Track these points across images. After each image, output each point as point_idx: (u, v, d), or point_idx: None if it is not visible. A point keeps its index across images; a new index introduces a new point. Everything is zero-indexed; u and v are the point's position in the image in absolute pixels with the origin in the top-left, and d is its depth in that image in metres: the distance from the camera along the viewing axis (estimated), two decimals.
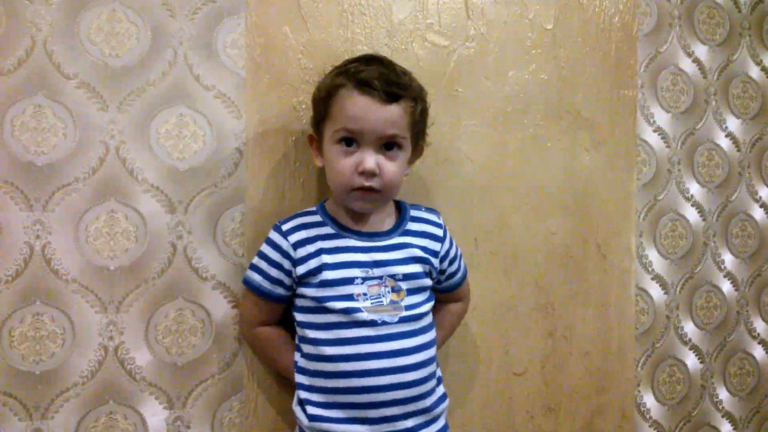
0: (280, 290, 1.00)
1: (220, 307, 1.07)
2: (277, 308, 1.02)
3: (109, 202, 1.01)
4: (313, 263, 0.96)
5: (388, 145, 0.95)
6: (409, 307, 0.98)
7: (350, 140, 0.94)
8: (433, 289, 1.07)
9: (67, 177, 0.99)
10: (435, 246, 1.04)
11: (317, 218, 1.00)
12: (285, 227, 0.99)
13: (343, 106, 0.93)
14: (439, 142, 1.15)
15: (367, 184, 0.93)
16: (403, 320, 0.97)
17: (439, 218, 1.07)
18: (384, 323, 0.95)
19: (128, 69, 1.02)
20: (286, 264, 0.98)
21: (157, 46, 1.03)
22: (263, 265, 0.99)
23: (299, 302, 1.00)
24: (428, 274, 1.03)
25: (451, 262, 1.07)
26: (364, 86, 0.92)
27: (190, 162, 1.05)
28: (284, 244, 0.98)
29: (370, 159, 0.93)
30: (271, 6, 1.10)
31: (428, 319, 1.02)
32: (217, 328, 1.07)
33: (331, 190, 1.01)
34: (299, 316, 0.99)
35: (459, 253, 1.10)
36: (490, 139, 1.23)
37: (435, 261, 1.03)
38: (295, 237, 0.98)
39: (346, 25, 1.14)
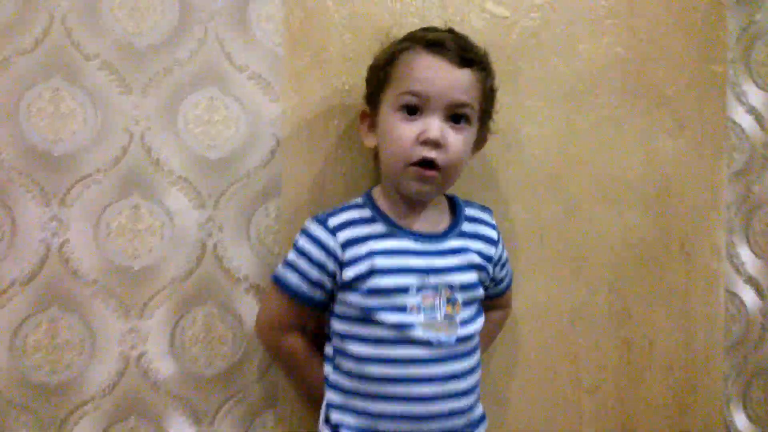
0: (319, 294, 0.90)
1: (254, 313, 0.99)
2: (310, 314, 0.94)
3: (133, 196, 0.95)
4: (363, 267, 0.87)
5: (455, 117, 0.87)
6: (463, 323, 0.90)
7: (413, 108, 0.86)
8: None
9: (87, 168, 0.93)
10: (490, 250, 0.95)
11: (366, 213, 0.91)
12: (332, 222, 0.90)
13: (410, 67, 0.86)
14: (500, 125, 1.05)
15: (429, 155, 0.85)
16: (460, 340, 0.89)
17: (492, 218, 0.99)
18: (439, 343, 0.87)
19: (154, 48, 0.96)
20: (331, 265, 0.88)
21: (186, 22, 0.97)
22: (302, 263, 0.89)
23: (340, 309, 0.90)
24: (483, 283, 0.94)
25: (501, 268, 1.00)
26: (435, 46, 0.86)
27: (221, 151, 0.99)
28: (331, 243, 0.88)
29: (436, 126, 0.85)
30: None
31: (478, 337, 0.94)
32: (249, 336, 1.00)
33: (384, 169, 0.92)
34: (339, 325, 0.90)
35: (506, 256, 1.02)
36: (557, 121, 1.15)
37: (490, 268, 0.95)
38: (344, 235, 0.89)
39: None
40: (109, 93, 0.94)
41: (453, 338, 0.87)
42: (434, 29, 0.93)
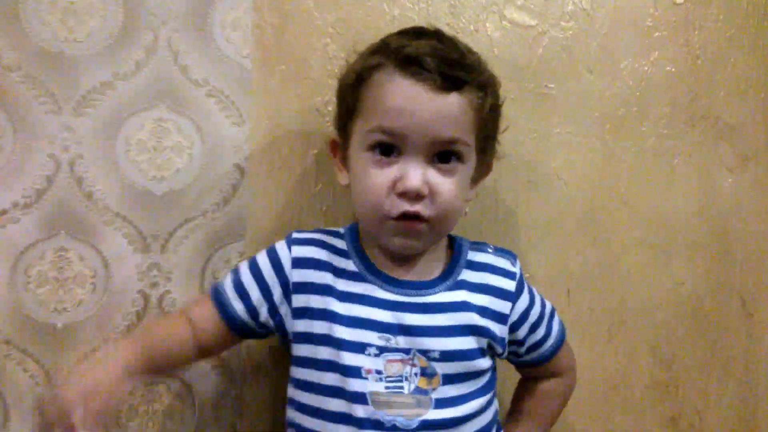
0: (237, 308, 0.76)
1: (208, 383, 0.90)
2: (223, 335, 0.77)
3: (59, 237, 0.86)
4: (314, 302, 0.75)
5: (443, 154, 0.74)
6: (441, 404, 0.73)
7: (388, 147, 0.73)
8: (515, 364, 0.88)
9: (2, 203, 0.84)
10: (502, 307, 0.79)
11: (341, 244, 0.80)
12: (296, 235, 0.80)
13: (380, 95, 0.74)
14: (522, 157, 1.02)
15: (411, 209, 0.72)
16: (426, 427, 0.72)
17: (514, 265, 0.83)
18: (394, 428, 0.71)
19: (90, 57, 0.87)
20: (272, 283, 0.76)
21: (131, 27, 0.88)
22: (242, 268, 0.78)
23: (295, 369, 0.77)
24: (486, 352, 0.78)
25: (533, 329, 0.83)
26: (411, 66, 0.72)
27: (170, 183, 0.90)
28: (283, 255, 0.77)
29: (415, 173, 0.72)
30: None
31: (476, 425, 0.77)
32: (201, 412, 0.90)
33: (359, 219, 0.81)
34: (291, 390, 0.77)
35: (548, 310, 0.86)
36: (593, 153, 1.07)
37: (499, 330, 0.79)
38: (301, 251, 0.77)
39: None
40: (32, 112, 0.85)
41: (415, 422, 0.71)
42: (415, 33, 0.79)
